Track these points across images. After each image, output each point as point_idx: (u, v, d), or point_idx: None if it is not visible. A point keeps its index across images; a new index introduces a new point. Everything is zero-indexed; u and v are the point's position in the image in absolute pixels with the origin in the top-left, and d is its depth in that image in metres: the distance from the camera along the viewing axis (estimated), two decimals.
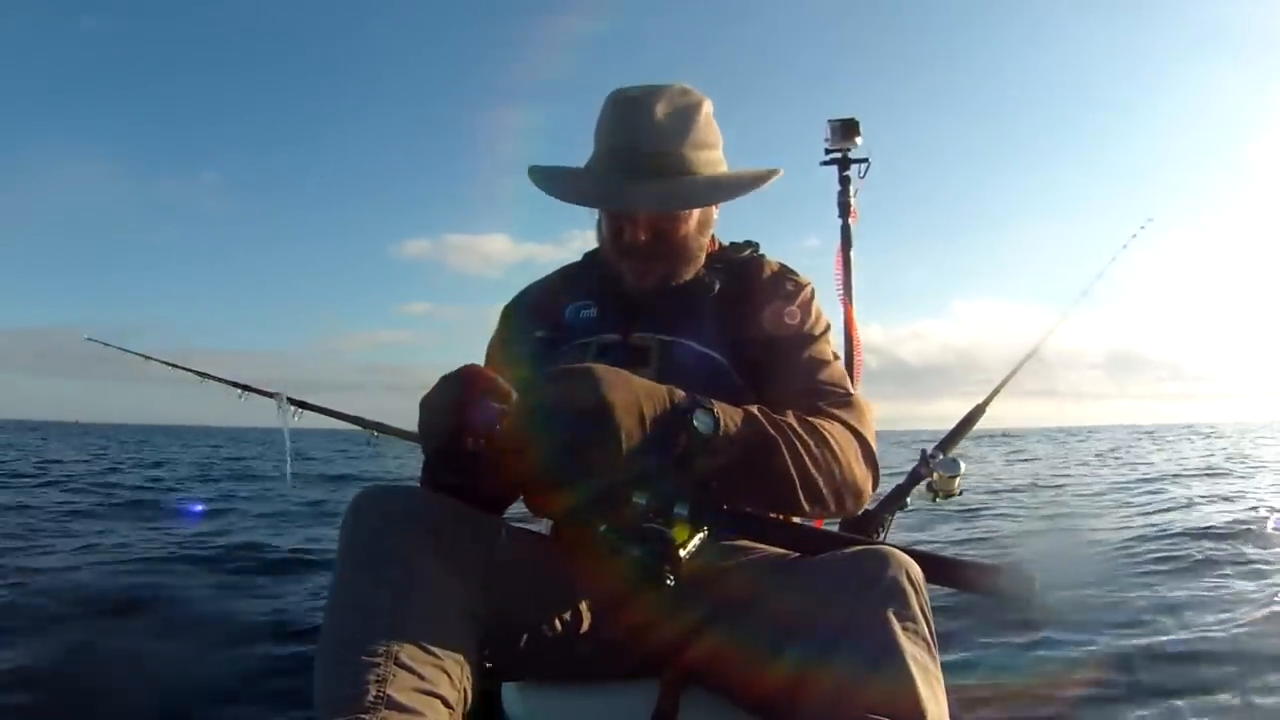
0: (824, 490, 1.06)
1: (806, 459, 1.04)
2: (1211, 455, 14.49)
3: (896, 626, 0.87)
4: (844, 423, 1.12)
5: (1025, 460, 15.05)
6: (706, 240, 1.27)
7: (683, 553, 0.92)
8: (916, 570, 0.93)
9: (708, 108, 1.21)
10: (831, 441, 1.07)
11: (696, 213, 1.22)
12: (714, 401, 1.00)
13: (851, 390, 1.20)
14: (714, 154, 1.21)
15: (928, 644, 0.89)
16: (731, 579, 1.04)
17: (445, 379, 1.00)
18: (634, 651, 1.10)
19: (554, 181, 1.21)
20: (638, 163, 1.15)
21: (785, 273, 1.30)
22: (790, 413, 1.07)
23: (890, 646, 0.86)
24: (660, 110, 1.16)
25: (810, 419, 1.08)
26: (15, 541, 4.67)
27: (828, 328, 1.27)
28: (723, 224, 1.32)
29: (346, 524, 1.01)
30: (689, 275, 1.25)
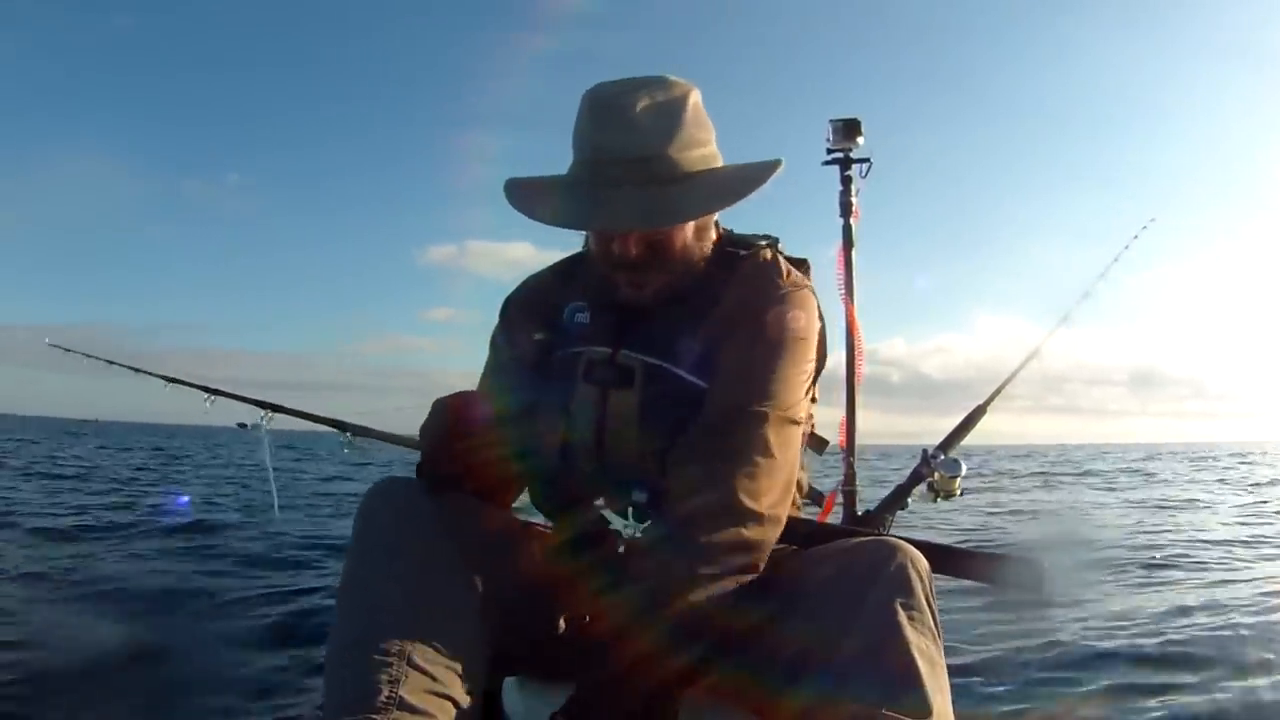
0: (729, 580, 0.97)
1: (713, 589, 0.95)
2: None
3: (902, 616, 0.87)
4: (727, 497, 0.98)
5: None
6: (708, 244, 1.16)
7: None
8: (923, 561, 0.93)
9: (695, 99, 1.08)
10: (714, 562, 0.96)
11: (691, 222, 1.10)
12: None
13: (771, 412, 1.04)
14: (705, 151, 1.08)
15: (933, 634, 0.89)
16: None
17: (436, 404, 1.06)
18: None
19: (529, 200, 1.10)
20: (619, 172, 1.03)
21: (771, 270, 1.16)
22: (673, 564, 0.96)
23: (895, 636, 0.86)
24: (640, 110, 1.03)
25: (689, 547, 0.96)
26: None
27: (801, 338, 1.11)
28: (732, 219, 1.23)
29: (359, 518, 1.01)
30: (688, 282, 1.14)
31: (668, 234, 1.08)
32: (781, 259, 1.19)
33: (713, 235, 1.17)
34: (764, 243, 1.19)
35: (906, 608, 0.88)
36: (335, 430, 2.31)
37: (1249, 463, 20.19)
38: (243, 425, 2.38)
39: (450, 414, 1.07)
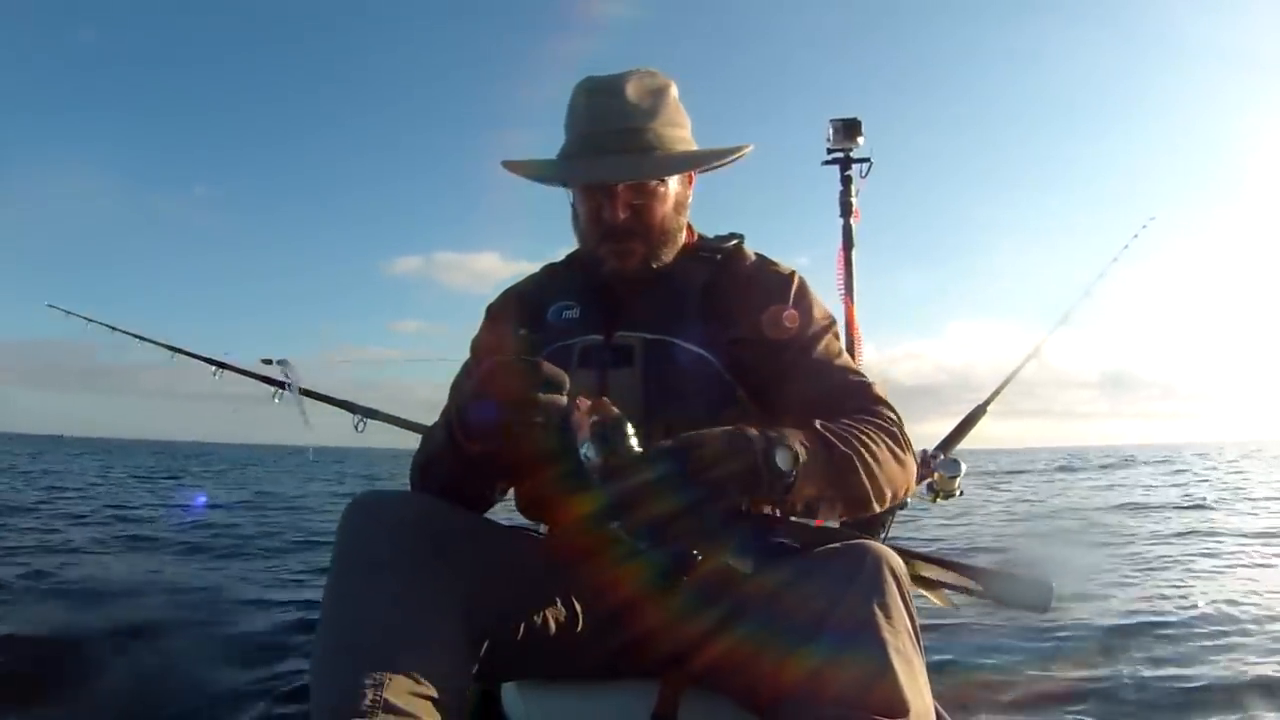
0: (886, 493, 1.06)
1: (876, 470, 1.04)
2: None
3: (879, 619, 0.87)
4: (879, 422, 1.10)
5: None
6: (684, 222, 1.26)
7: (700, 558, 0.92)
8: (899, 562, 0.93)
9: (674, 91, 1.21)
10: (879, 446, 1.06)
11: (672, 193, 1.20)
12: (787, 433, 0.98)
13: (871, 381, 1.18)
14: (684, 132, 1.20)
15: (910, 635, 0.89)
16: (723, 580, 1.04)
17: (507, 367, 0.99)
18: (630, 650, 1.11)
19: (531, 167, 1.21)
20: (612, 140, 1.15)
21: (764, 264, 1.27)
22: (846, 423, 1.06)
23: (872, 639, 0.86)
24: (631, 91, 1.16)
25: (856, 427, 1.06)
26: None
27: (831, 320, 1.24)
28: (712, 222, 1.31)
29: (341, 530, 1.02)
30: (667, 258, 1.22)
31: (650, 201, 1.18)
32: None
33: (687, 221, 1.27)
34: (734, 241, 1.29)
35: (883, 610, 0.88)
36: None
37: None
38: (273, 362, 2.29)
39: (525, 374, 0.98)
